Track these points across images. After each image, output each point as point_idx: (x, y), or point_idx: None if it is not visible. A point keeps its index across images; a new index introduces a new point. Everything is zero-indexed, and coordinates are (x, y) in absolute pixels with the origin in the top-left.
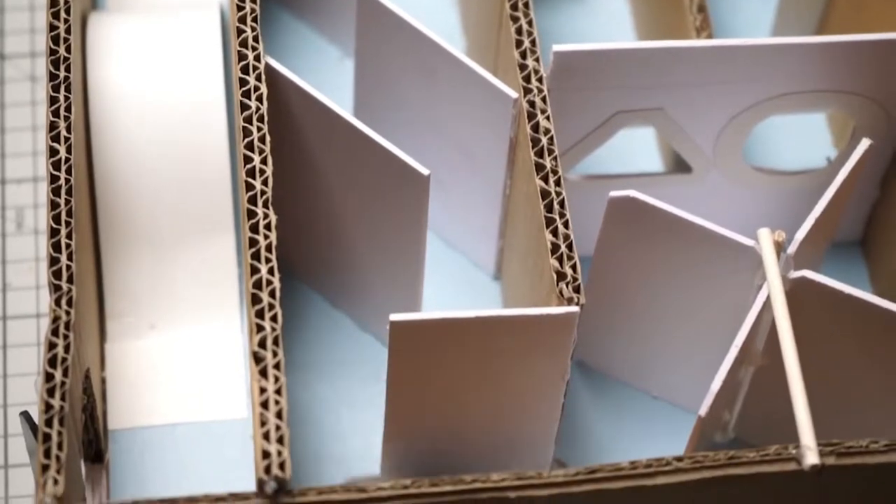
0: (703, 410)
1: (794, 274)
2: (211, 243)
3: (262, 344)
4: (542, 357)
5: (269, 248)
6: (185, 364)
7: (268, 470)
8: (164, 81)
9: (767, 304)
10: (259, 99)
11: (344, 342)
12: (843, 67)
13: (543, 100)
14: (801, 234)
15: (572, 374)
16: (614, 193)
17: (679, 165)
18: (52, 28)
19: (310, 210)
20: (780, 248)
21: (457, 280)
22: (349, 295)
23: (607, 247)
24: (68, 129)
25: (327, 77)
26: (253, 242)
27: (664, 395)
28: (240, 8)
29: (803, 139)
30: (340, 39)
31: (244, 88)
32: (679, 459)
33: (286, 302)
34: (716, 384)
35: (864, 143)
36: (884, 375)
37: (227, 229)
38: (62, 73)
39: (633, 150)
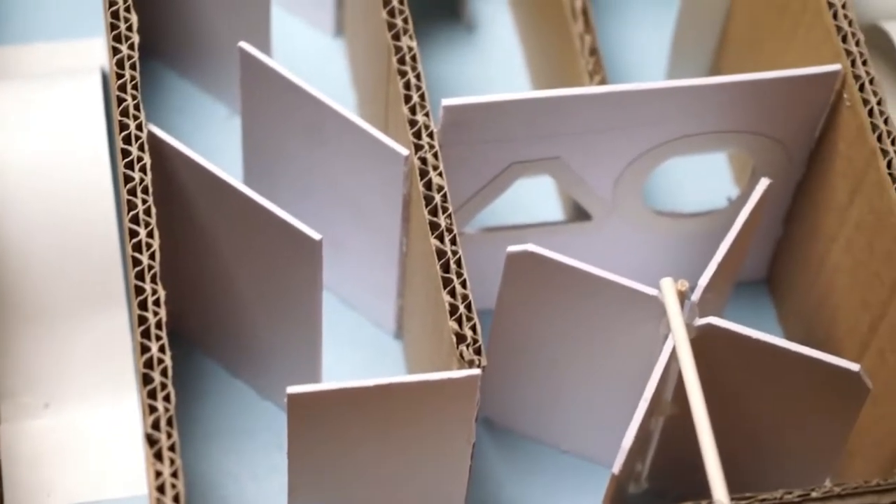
0: (617, 468)
1: (700, 321)
2: (103, 317)
3: (156, 425)
4: (445, 421)
5: (158, 325)
6: (82, 442)
7: None
8: (48, 152)
9: (674, 354)
10: (143, 170)
11: (244, 411)
12: (740, 107)
13: (435, 156)
14: (704, 280)
15: (479, 432)
16: (512, 248)
17: (579, 213)
18: None
19: (204, 278)
20: (683, 297)
21: (358, 341)
22: (247, 363)
23: (508, 302)
24: None
25: (216, 136)
26: (142, 320)
27: (573, 449)
28: (119, 75)
29: (704, 179)
30: (227, 97)
31: (127, 159)
32: None
33: (184, 372)
34: (627, 441)
35: (763, 184)
36: (795, 418)
37: (119, 303)
38: None
39: (533, 199)
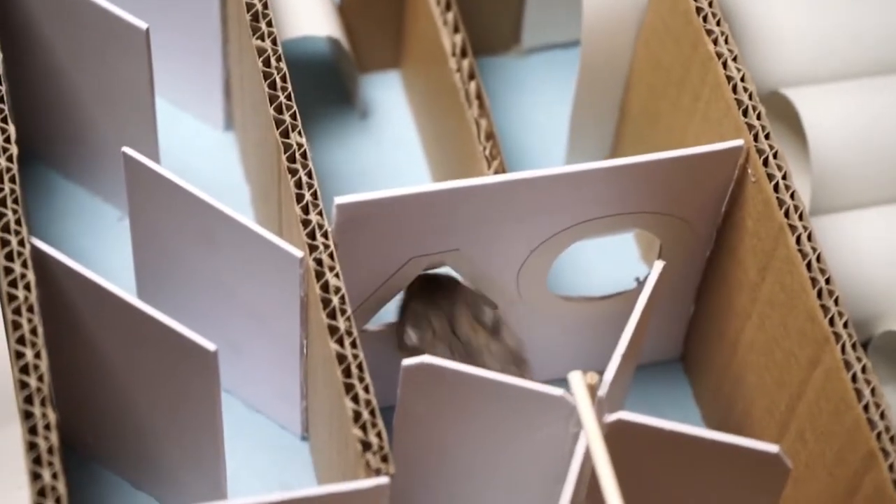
0: None
1: (611, 417)
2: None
3: None
4: None
5: (50, 451)
6: None
7: None
8: None
9: (587, 452)
10: (27, 287)
11: None
12: (642, 188)
13: (331, 256)
14: (609, 374)
15: None
16: (407, 361)
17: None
18: None
19: (100, 392)
20: (593, 390)
21: (264, 444)
22: (150, 475)
23: (409, 414)
24: None
25: (107, 239)
26: (33, 446)
27: None
28: None
29: (610, 261)
30: (118, 199)
31: (10, 278)
32: None
33: (85, 487)
34: None
35: (658, 266)
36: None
37: (13, 424)
38: None
39: None
